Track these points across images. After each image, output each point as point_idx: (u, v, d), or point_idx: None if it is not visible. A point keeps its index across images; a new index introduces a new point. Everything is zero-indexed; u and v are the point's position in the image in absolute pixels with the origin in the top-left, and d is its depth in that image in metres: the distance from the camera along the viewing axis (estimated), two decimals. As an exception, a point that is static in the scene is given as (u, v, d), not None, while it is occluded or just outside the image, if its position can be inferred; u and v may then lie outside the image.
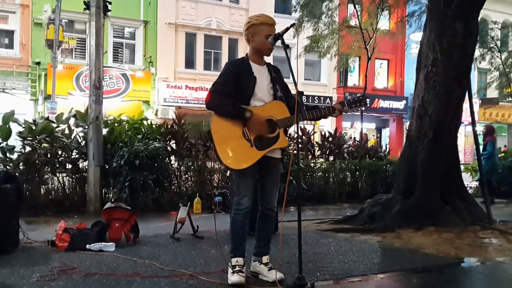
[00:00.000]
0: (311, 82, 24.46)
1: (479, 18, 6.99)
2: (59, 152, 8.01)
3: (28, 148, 7.76)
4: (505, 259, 4.75)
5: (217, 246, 4.42)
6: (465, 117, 8.84)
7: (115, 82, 19.41)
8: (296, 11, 13.60)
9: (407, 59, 24.46)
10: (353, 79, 26.07)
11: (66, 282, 3.61)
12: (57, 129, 8.05)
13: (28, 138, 7.78)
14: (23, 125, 7.86)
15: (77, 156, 8.16)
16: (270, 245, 3.87)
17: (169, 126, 9.10)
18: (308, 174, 9.84)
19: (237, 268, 3.60)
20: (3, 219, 4.54)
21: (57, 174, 8.00)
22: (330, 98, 24.25)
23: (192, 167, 8.75)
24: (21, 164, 7.67)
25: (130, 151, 7.62)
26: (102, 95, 8.03)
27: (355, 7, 13.07)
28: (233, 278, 3.56)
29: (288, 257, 4.28)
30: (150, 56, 20.82)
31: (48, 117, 9.55)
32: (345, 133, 13.20)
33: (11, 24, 19.19)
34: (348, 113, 4.64)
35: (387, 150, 12.48)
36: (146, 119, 9.23)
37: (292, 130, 5.44)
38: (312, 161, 10.36)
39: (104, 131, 8.13)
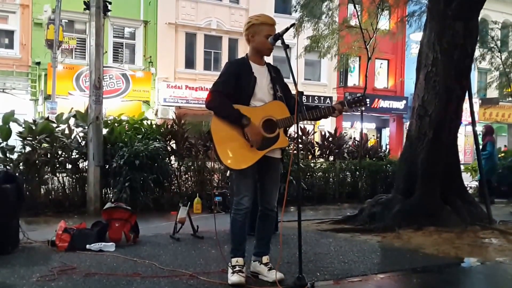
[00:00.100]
0: (311, 82, 24.46)
1: (479, 18, 6.99)
2: (59, 152, 8.01)
3: (28, 148, 7.76)
4: (505, 259, 4.75)
5: (217, 246, 4.42)
6: (465, 117, 8.84)
7: (115, 82, 19.42)
8: (296, 11, 13.59)
9: (407, 59, 24.47)
10: (353, 79, 26.07)
11: (66, 282, 3.61)
12: (57, 129, 8.04)
13: (28, 138, 7.78)
14: (23, 125, 7.85)
15: (77, 156, 8.15)
16: (270, 245, 3.87)
17: (169, 126, 9.10)
18: (308, 174, 9.84)
19: (237, 268, 3.60)
20: (3, 219, 4.54)
21: (57, 174, 8.00)
22: (330, 98, 24.25)
23: (192, 167, 8.75)
24: (21, 164, 7.67)
25: (130, 151, 7.62)
26: (102, 95, 8.03)
27: (355, 7, 13.07)
28: (233, 278, 3.56)
29: (288, 257, 4.28)
30: (150, 56, 20.83)
31: (48, 117, 9.55)
32: (345, 133, 13.19)
33: (11, 24, 19.19)
34: (348, 113, 4.65)
35: (387, 150, 12.48)
36: (146, 119, 9.23)
37: (292, 130, 5.45)
38: (312, 161, 10.35)
39: (104, 131, 8.13)
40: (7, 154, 7.63)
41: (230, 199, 6.68)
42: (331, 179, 10.26)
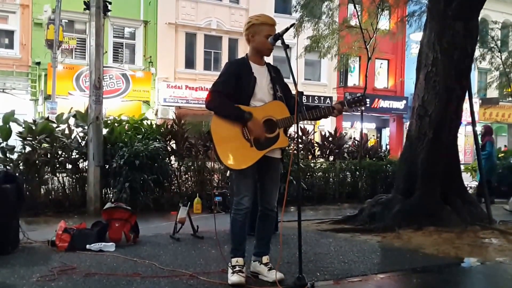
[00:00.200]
0: (311, 82, 24.46)
1: (479, 18, 6.99)
2: (59, 152, 8.01)
3: (28, 148, 7.76)
4: (505, 259, 4.75)
5: (217, 246, 4.41)
6: (465, 117, 8.84)
7: (115, 82, 19.41)
8: (296, 11, 13.59)
9: (407, 59, 24.47)
10: (353, 79, 26.07)
11: (66, 282, 3.61)
12: (57, 129, 8.04)
13: (28, 138, 7.78)
14: (23, 125, 7.85)
15: (77, 156, 8.15)
16: (270, 245, 3.87)
17: (169, 126, 9.10)
18: (308, 174, 9.84)
19: (237, 268, 3.60)
20: (3, 219, 4.54)
21: (57, 174, 8.00)
22: (330, 98, 24.25)
23: (192, 167, 8.75)
24: (21, 164, 7.67)
25: (130, 151, 7.62)
26: (102, 95, 8.03)
27: (355, 7, 13.08)
28: (233, 278, 3.56)
29: (288, 257, 4.28)
30: (150, 56, 20.83)
31: (48, 117, 9.54)
32: (345, 133, 13.19)
33: (11, 24, 19.19)
34: (348, 113, 4.65)
35: (387, 150, 12.48)
36: (146, 119, 9.23)
37: (292, 130, 5.45)
38: (312, 161, 10.35)
39: (104, 131, 8.13)
40: (7, 154, 7.63)
41: (230, 199, 6.68)
42: (331, 179, 10.26)
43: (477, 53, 14.38)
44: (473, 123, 7.88)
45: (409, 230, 5.96)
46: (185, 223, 5.53)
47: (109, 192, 8.10)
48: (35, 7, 18.70)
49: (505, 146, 22.69)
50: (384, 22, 14.43)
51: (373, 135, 27.08)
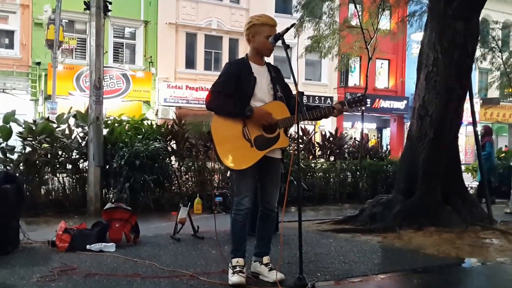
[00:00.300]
0: (312, 82, 24.46)
1: (480, 18, 6.98)
2: (60, 153, 8.00)
3: (28, 149, 7.75)
4: (506, 259, 4.74)
5: (217, 247, 4.41)
6: (466, 117, 8.83)
7: (116, 82, 19.41)
8: (297, 11, 13.59)
9: (408, 59, 24.45)
10: (354, 79, 26.06)
11: (66, 282, 3.61)
12: (57, 129, 8.04)
13: (28, 139, 7.77)
14: (23, 126, 7.85)
15: (77, 156, 8.15)
16: (270, 246, 3.87)
17: (169, 126, 9.09)
18: (309, 174, 9.84)
19: (238, 269, 3.60)
20: (4, 220, 4.53)
21: (57, 174, 7.99)
22: (331, 98, 24.23)
23: (193, 168, 8.75)
24: (21, 164, 7.66)
25: (130, 151, 7.62)
26: (102, 95, 8.02)
27: (356, 7, 13.07)
28: (233, 278, 3.55)
29: (288, 257, 4.28)
30: (151, 56, 20.82)
31: (48, 117, 9.53)
32: (345, 133, 13.20)
33: (12, 24, 19.19)
34: (349, 113, 4.64)
35: (388, 150, 12.47)
36: (147, 119, 9.23)
37: (292, 130, 5.44)
38: (313, 161, 10.35)
39: (105, 131, 8.13)
40: (7, 155, 7.62)
41: (230, 199, 6.68)
42: (331, 179, 10.25)
43: (478, 53, 14.38)
44: (474, 123, 7.88)
45: (410, 230, 5.95)
46: (186, 224, 5.52)
47: (109, 192, 8.10)
48: (35, 7, 18.70)
49: (505, 146, 22.66)
50: (385, 22, 14.42)
51: (374, 135, 27.08)
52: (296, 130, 3.62)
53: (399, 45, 24.40)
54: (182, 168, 8.74)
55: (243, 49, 21.14)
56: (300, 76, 22.37)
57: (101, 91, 7.97)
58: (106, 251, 4.68)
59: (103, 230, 5.07)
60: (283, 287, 3.48)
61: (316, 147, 10.86)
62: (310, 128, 12.48)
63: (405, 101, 26.16)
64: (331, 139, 10.95)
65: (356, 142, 11.81)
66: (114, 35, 20.55)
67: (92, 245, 4.74)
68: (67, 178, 8.08)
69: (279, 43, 3.68)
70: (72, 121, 8.37)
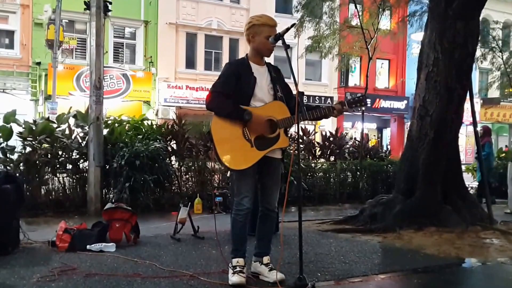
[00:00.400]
0: (312, 82, 24.46)
1: (480, 18, 6.97)
2: (60, 153, 8.00)
3: (28, 149, 7.75)
4: (506, 259, 4.74)
5: (217, 247, 4.41)
6: (466, 117, 8.82)
7: (116, 82, 19.42)
8: (297, 11, 13.59)
9: (408, 59, 24.45)
10: (354, 79, 26.06)
11: (66, 282, 3.61)
12: (57, 129, 8.04)
13: (28, 139, 7.77)
14: (23, 126, 7.85)
15: (77, 156, 8.14)
16: (270, 246, 3.87)
17: (169, 127, 9.09)
18: (309, 174, 9.84)
19: (238, 269, 3.60)
20: (4, 220, 4.53)
21: (58, 174, 7.99)
22: (331, 98, 24.24)
23: (193, 168, 8.75)
24: (21, 164, 7.66)
25: (130, 151, 7.62)
26: (102, 95, 8.02)
27: (356, 7, 13.07)
28: (233, 278, 3.55)
29: (289, 257, 4.27)
30: (151, 56, 20.83)
31: (48, 117, 9.53)
32: (346, 133, 13.19)
33: (12, 24, 19.20)
34: (349, 113, 4.64)
35: (388, 150, 12.46)
36: (147, 120, 9.23)
37: (293, 130, 5.43)
38: (313, 161, 10.34)
39: (105, 131, 8.12)
40: (8, 155, 7.62)
41: (230, 199, 6.67)
42: (332, 180, 10.24)
43: (478, 53, 14.38)
44: (474, 123, 7.87)
45: (410, 230, 5.95)
46: (186, 224, 5.52)
47: (109, 192, 8.09)
48: (36, 7, 18.71)
49: (506, 146, 22.65)
50: (385, 22, 14.41)
51: (374, 135, 27.08)
52: (296, 130, 3.62)
53: (400, 45, 24.41)
54: (182, 168, 8.74)
55: (244, 49, 21.14)
56: (300, 76, 22.37)
57: (101, 91, 7.97)
58: (106, 251, 4.68)
59: (103, 230, 5.07)
60: (283, 287, 3.48)
61: (317, 147, 10.85)
62: (310, 128, 12.46)
63: (405, 101, 26.16)
64: (331, 139, 10.95)
65: (357, 142, 11.81)
66: (114, 35, 20.56)
67: (92, 245, 4.74)
68: (67, 178, 8.07)
69: (279, 43, 3.68)
70: (72, 121, 8.36)
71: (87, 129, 7.90)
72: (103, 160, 7.80)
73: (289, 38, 3.68)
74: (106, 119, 8.51)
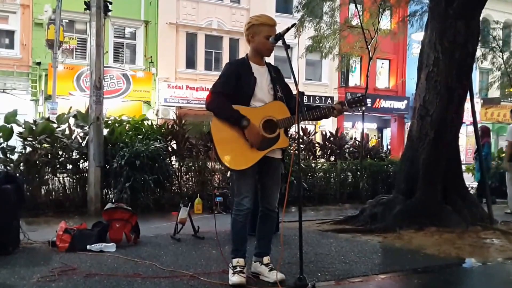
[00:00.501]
0: (312, 82, 24.46)
1: (480, 18, 6.97)
2: (60, 153, 8.00)
3: (28, 149, 7.75)
4: (506, 259, 4.74)
5: (217, 247, 4.41)
6: (467, 117, 8.82)
7: (116, 82, 19.42)
8: (298, 11, 13.59)
9: (409, 59, 24.44)
10: (355, 79, 26.06)
11: (66, 282, 3.61)
12: (57, 129, 8.04)
13: (28, 139, 7.77)
14: (23, 126, 7.85)
15: (77, 156, 8.14)
16: (271, 246, 3.86)
17: (169, 127, 9.09)
18: (309, 174, 9.83)
19: (238, 269, 3.59)
20: (4, 220, 4.54)
21: (58, 174, 7.99)
22: (331, 98, 24.24)
23: (193, 168, 8.74)
24: (21, 164, 7.66)
25: (130, 151, 7.62)
26: (102, 95, 8.02)
27: (356, 7, 13.07)
28: (233, 278, 3.55)
29: (289, 257, 4.27)
30: (151, 56, 20.83)
31: (48, 117, 9.54)
32: (346, 133, 13.18)
33: (12, 24, 19.21)
34: (349, 113, 4.64)
35: (388, 150, 12.46)
36: (147, 120, 9.22)
37: (293, 130, 5.43)
38: (313, 161, 10.34)
39: (105, 131, 8.13)
40: (8, 155, 7.62)
41: (230, 199, 6.67)
42: (332, 180, 10.24)
43: (478, 53, 14.38)
44: (474, 123, 7.86)
45: (410, 230, 5.94)
46: (186, 224, 5.52)
47: (109, 192, 8.09)
48: (36, 7, 18.72)
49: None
50: (386, 22, 14.41)
51: (374, 135, 27.09)
52: (296, 130, 3.62)
53: (400, 45, 24.41)
54: (183, 168, 8.74)
55: (244, 49, 21.14)
56: (301, 76, 22.36)
57: (101, 91, 7.97)
58: (107, 251, 4.68)
59: (103, 230, 5.07)
60: (283, 287, 3.48)
61: (317, 147, 10.85)
62: (310, 128, 12.47)
63: (405, 101, 26.16)
64: (331, 139, 10.95)
65: (357, 142, 11.81)
66: (115, 35, 20.56)
67: (93, 245, 4.74)
68: (68, 178, 8.07)
69: (280, 43, 3.68)
70: (72, 121, 8.37)
71: (87, 129, 7.90)
72: (103, 160, 7.80)
73: (289, 38, 3.68)
74: (106, 119, 8.51)
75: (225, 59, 21.83)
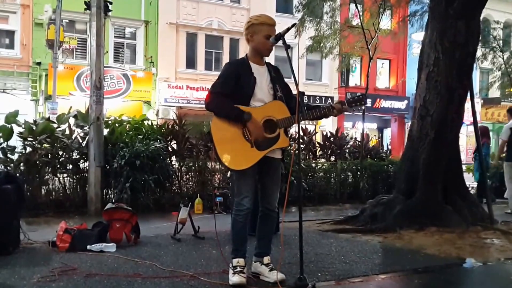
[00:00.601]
0: (313, 82, 24.46)
1: (481, 18, 6.96)
2: (60, 153, 8.00)
3: (28, 149, 7.75)
4: (507, 259, 4.74)
5: (218, 247, 4.40)
6: (467, 117, 8.81)
7: (116, 82, 19.43)
8: (298, 11, 13.58)
9: (409, 59, 24.42)
10: (355, 79, 26.06)
11: (66, 283, 3.61)
12: (58, 129, 8.03)
13: (28, 139, 7.77)
14: (23, 126, 7.85)
15: (78, 156, 8.14)
16: (271, 246, 3.86)
17: (170, 127, 9.08)
18: (310, 174, 9.83)
19: (238, 269, 3.59)
20: (4, 220, 4.53)
21: (58, 174, 7.99)
22: (332, 98, 24.22)
23: (193, 168, 8.74)
24: (21, 164, 7.66)
25: (131, 151, 7.61)
26: (103, 95, 8.02)
27: (356, 7, 13.06)
28: (234, 278, 3.55)
29: (289, 257, 4.27)
30: (151, 56, 20.83)
31: (49, 117, 9.54)
32: (346, 133, 13.17)
33: (12, 24, 19.22)
34: (349, 112, 4.64)
35: (389, 150, 12.45)
36: (147, 120, 9.22)
37: (293, 130, 5.42)
38: (314, 161, 10.34)
39: (105, 131, 8.12)
40: (8, 155, 7.62)
41: (231, 199, 6.66)
42: (332, 180, 10.23)
43: (479, 52, 14.37)
44: (475, 123, 7.85)
45: (411, 230, 5.94)
46: (186, 224, 5.52)
47: (110, 192, 8.09)
48: (36, 7, 18.72)
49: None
50: (386, 22, 14.40)
51: (375, 135, 27.08)
52: (296, 130, 3.62)
53: (400, 45, 24.40)
54: (183, 168, 8.73)
55: (244, 49, 21.13)
56: (301, 76, 22.36)
57: (101, 91, 7.96)
58: (107, 251, 4.67)
59: (103, 230, 5.07)
60: (283, 287, 3.48)
61: (317, 147, 10.85)
62: (310, 128, 12.47)
63: (406, 101, 26.16)
64: (331, 139, 10.95)
65: (357, 142, 11.80)
66: (115, 35, 20.57)
67: (93, 245, 4.74)
68: (68, 178, 8.07)
69: (280, 43, 3.68)
70: (72, 121, 8.36)
71: (88, 129, 7.90)
72: (104, 160, 7.80)
73: (289, 38, 3.67)
74: (107, 119, 8.50)
75: (225, 59, 21.83)
